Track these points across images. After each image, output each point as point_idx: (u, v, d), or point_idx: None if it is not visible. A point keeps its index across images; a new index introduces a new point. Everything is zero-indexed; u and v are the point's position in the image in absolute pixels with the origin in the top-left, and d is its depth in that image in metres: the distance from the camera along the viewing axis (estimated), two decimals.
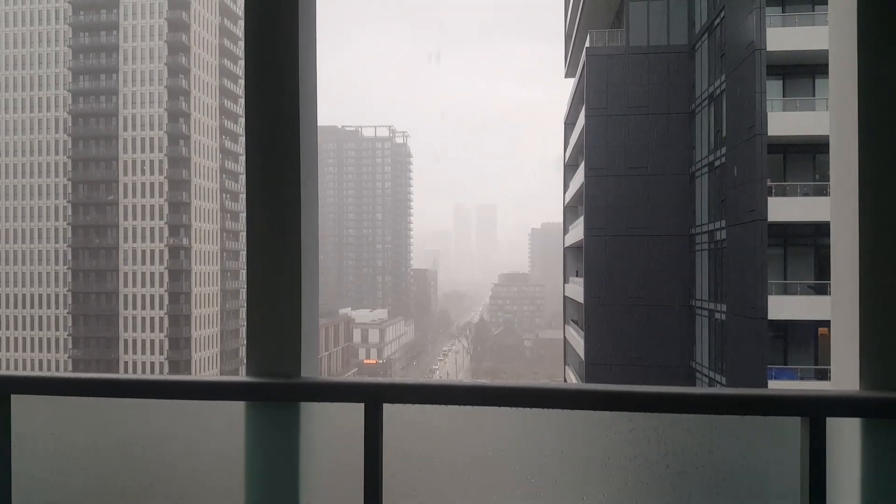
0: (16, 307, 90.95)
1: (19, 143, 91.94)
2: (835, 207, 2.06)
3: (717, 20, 26.55)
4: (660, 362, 28.33)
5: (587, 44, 31.01)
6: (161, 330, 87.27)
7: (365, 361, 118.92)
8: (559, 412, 1.95)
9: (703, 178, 27.66)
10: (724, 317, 25.06)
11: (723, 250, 25.46)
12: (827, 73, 2.16)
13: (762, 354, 22.64)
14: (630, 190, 28.89)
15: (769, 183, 23.08)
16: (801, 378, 22.99)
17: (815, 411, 1.79)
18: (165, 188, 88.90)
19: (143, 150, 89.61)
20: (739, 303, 23.83)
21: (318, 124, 2.34)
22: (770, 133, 22.70)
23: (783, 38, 23.29)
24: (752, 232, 22.87)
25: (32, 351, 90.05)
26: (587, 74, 30.30)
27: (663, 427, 1.91)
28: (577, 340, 32.98)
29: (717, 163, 26.25)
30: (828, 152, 2.15)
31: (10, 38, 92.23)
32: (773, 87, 23.72)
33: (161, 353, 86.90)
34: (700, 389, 1.92)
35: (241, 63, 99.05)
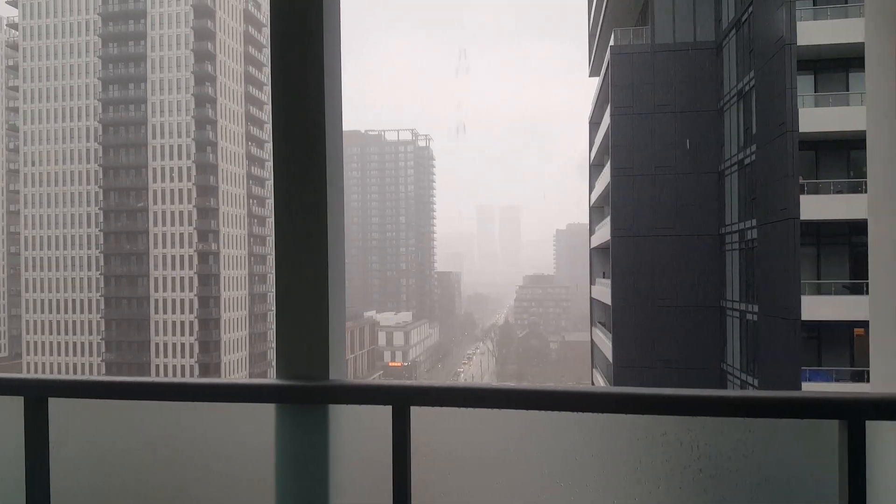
0: (51, 312, 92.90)
1: (52, 153, 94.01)
2: (872, 204, 2.02)
3: (745, 15, 26.22)
4: (690, 364, 28.00)
5: (611, 42, 30.83)
6: (191, 333, 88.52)
7: (390, 364, 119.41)
8: (589, 415, 1.93)
9: (732, 176, 27.31)
10: (755, 318, 24.71)
11: (754, 250, 25.10)
12: (861, 66, 2.13)
13: (796, 356, 22.27)
14: (657, 189, 28.62)
15: (801, 180, 22.72)
16: (837, 380, 22.58)
17: (854, 414, 1.75)
18: (194, 194, 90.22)
19: (171, 158, 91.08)
20: (772, 303, 23.48)
21: (342, 129, 2.35)
22: (801, 129, 22.35)
23: (814, 31, 22.93)
24: (784, 231, 22.52)
25: (67, 355, 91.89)
26: (612, 73, 30.11)
27: (695, 430, 1.88)
28: (605, 343, 32.75)
29: (746, 161, 25.91)
30: (862, 148, 2.11)
31: (43, 50, 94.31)
32: (804, 83, 23.35)
33: (191, 356, 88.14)
34: (734, 392, 1.88)
35: (266, 70, 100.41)
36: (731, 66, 27.67)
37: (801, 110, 22.63)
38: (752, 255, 25.40)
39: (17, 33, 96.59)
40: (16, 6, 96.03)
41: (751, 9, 25.66)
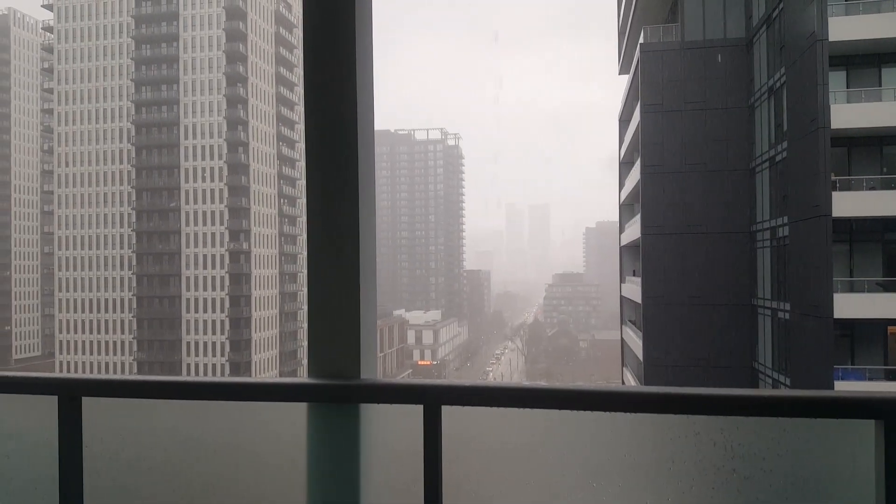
0: (83, 311, 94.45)
1: (86, 153, 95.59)
2: None
3: (776, 12, 25.83)
4: (721, 363, 27.67)
5: (641, 39, 30.57)
6: (222, 332, 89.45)
7: (419, 363, 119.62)
8: (621, 415, 1.93)
9: (763, 173, 26.94)
10: (787, 316, 24.34)
11: (785, 247, 24.74)
12: (894, 61, 2.07)
13: (828, 354, 21.89)
14: (688, 187, 28.33)
15: (833, 177, 22.32)
16: (870, 379, 22.15)
17: (890, 414, 1.72)
18: (225, 194, 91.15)
19: (203, 158, 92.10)
20: (803, 301, 23.12)
21: (374, 128, 2.36)
22: (833, 126, 21.95)
23: (846, 27, 22.49)
24: (816, 228, 22.15)
25: (100, 354, 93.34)
26: (642, 70, 29.86)
27: (729, 430, 1.85)
28: (635, 341, 32.48)
29: (778, 157, 25.53)
30: None
31: (77, 53, 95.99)
32: (836, 79, 22.89)
33: (222, 354, 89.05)
34: (767, 391, 1.86)
35: (297, 71, 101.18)
36: (761, 63, 27.28)
37: (832, 106, 22.21)
38: (783, 253, 25.03)
39: (53, 36, 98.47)
40: (51, 10, 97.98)
41: (781, 5, 25.26)
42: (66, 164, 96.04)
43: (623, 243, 38.27)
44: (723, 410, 1.85)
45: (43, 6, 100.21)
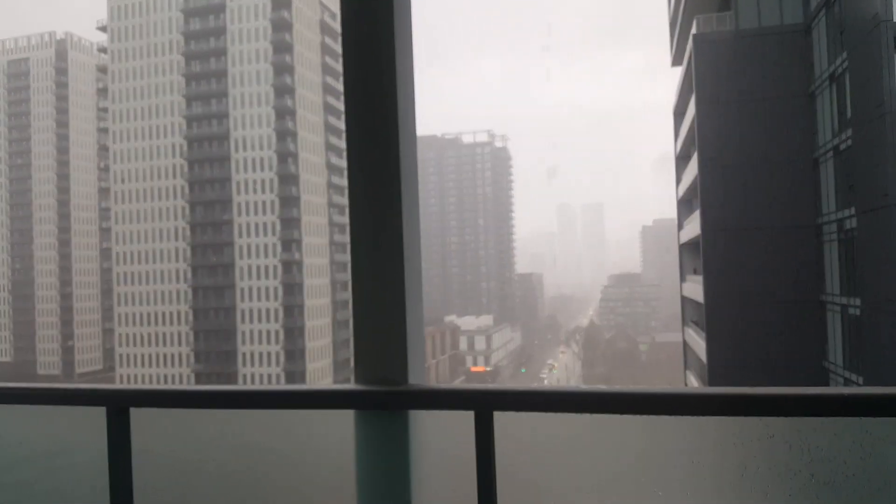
0: (142, 325, 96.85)
1: (140, 170, 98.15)
2: None
3: None
4: (789, 363, 26.80)
5: (693, 30, 30.00)
6: (277, 342, 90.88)
7: (472, 369, 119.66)
8: (687, 419, 1.81)
9: (827, 163, 26.06)
10: (858, 312, 23.45)
11: (854, 240, 23.85)
12: None
13: None
14: (748, 180, 27.65)
15: None
16: None
17: None
18: (277, 206, 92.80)
19: (254, 170, 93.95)
20: (875, 296, 22.26)
21: (418, 134, 2.33)
22: None
23: None
24: (887, 218, 21.35)
25: (158, 366, 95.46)
26: (695, 61, 29.33)
27: (806, 432, 1.73)
28: (698, 343, 31.80)
29: (842, 146, 24.65)
30: None
31: (130, 72, 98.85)
32: None
33: (277, 364, 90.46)
34: (849, 389, 1.70)
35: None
36: (821, 48, 26.43)
37: None
38: (852, 246, 24.16)
39: (107, 57, 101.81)
40: (105, 31, 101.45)
41: None
42: (122, 181, 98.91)
43: (682, 241, 37.55)
44: (799, 411, 1.72)
45: (98, 28, 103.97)
